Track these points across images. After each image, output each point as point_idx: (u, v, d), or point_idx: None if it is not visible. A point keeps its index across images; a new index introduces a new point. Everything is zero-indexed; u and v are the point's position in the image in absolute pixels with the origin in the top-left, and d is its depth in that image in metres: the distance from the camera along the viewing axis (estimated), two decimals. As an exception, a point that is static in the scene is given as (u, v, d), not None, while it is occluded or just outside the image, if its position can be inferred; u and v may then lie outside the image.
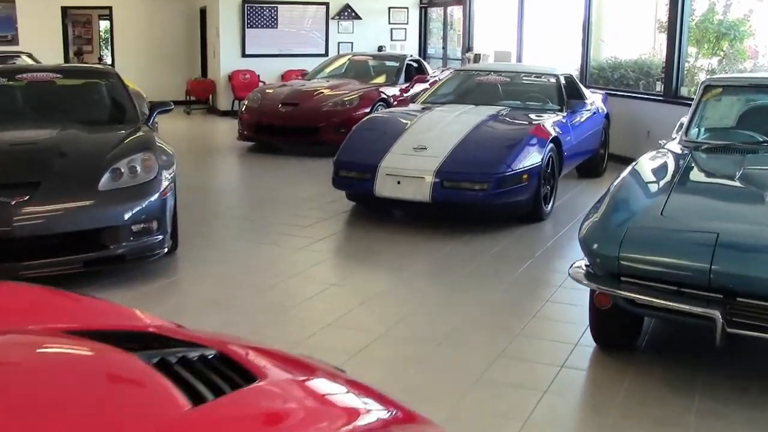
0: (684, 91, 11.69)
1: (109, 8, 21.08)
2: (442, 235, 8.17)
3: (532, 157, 8.34)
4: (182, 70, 20.68)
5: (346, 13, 19.59)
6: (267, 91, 14.41)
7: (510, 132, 8.76)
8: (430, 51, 20.31)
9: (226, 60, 19.05)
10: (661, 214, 4.67)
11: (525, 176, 8.21)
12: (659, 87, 12.15)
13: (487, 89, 10.67)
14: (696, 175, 5.75)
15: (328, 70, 15.89)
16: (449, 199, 8.12)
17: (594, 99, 11.45)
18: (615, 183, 5.34)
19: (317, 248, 7.79)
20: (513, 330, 5.68)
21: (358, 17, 19.68)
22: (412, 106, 10.50)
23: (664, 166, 5.75)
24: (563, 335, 5.63)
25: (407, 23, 20.24)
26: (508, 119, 9.29)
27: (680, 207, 4.80)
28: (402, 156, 8.43)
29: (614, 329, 5.13)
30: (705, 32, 13.32)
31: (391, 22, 20.13)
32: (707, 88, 6.82)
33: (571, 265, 5.01)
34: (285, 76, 18.34)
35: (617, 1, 15.66)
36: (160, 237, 6.78)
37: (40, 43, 19.36)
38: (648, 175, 5.60)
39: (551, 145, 8.79)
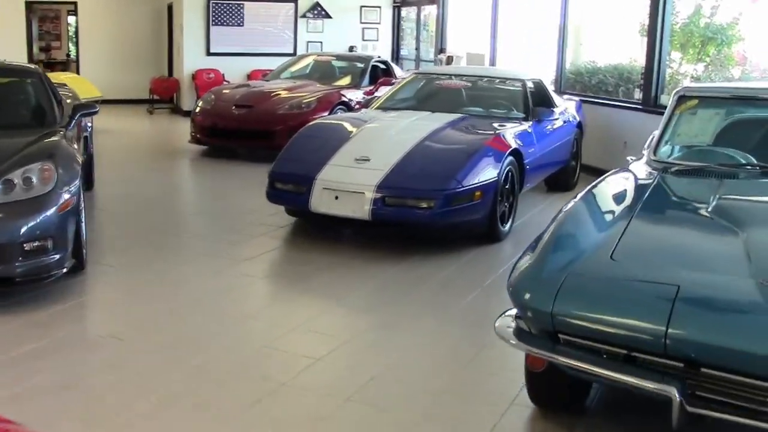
0: (664, 99, 10.79)
1: (74, 3, 20.12)
2: (386, 257, 7.28)
3: (487, 172, 7.44)
4: (148, 68, 19.81)
5: (315, 11, 18.69)
6: (222, 91, 13.51)
7: (463, 143, 7.86)
8: (403, 52, 19.41)
9: (190, 58, 18.15)
10: (611, 257, 3.76)
11: (478, 193, 7.31)
12: (638, 94, 11.23)
13: (447, 95, 9.78)
14: (660, 204, 4.78)
15: (292, 70, 14.99)
16: (391, 218, 7.22)
17: (566, 106, 10.56)
18: (562, 211, 4.41)
19: (242, 270, 6.91)
20: (438, 385, 4.77)
21: (328, 16, 18.79)
22: (364, 112, 9.58)
23: (624, 192, 4.84)
24: (499, 391, 4.72)
25: (380, 23, 19.33)
26: (464, 129, 8.40)
27: (635, 248, 3.88)
28: (342, 168, 7.53)
29: (554, 391, 4.21)
30: (690, 36, 12.39)
31: (362, 21, 19.23)
32: (681, 99, 5.86)
33: (500, 315, 4.07)
34: (251, 76, 17.47)
35: (599, 2, 14.73)
36: (58, 256, 5.98)
37: (2, 37, 18.51)
38: (603, 203, 4.69)
39: (510, 158, 7.89)
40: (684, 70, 12.51)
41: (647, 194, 4.63)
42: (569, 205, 4.51)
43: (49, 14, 24.02)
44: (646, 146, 6.56)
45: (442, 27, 17.02)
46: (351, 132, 8.24)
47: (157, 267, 6.95)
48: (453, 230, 7.59)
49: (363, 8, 19.17)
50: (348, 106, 12.52)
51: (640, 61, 12.74)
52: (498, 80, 9.83)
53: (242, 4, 18.19)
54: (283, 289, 6.71)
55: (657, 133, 5.84)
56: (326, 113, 12.03)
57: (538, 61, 14.70)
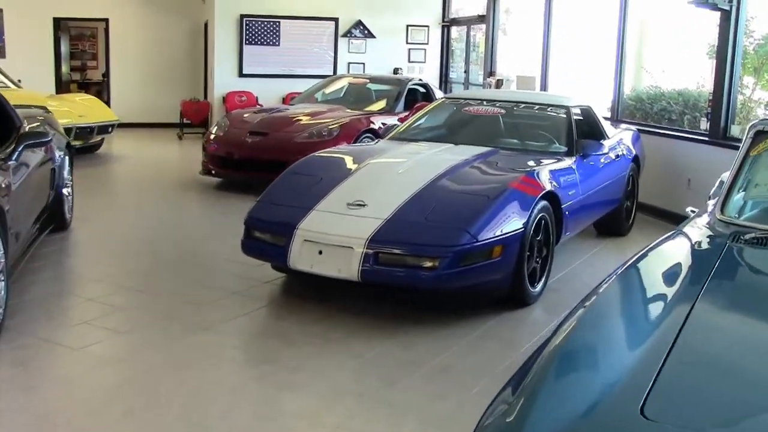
0: (735, 130, 9.20)
1: (106, 20, 19.04)
2: (378, 326, 5.88)
3: (511, 222, 5.95)
4: (181, 90, 18.59)
5: (357, 31, 17.36)
6: (240, 116, 12.15)
7: (483, 185, 6.38)
8: (452, 75, 17.95)
9: (221, 79, 16.98)
10: (642, 410, 2.20)
11: (498, 248, 5.83)
12: (705, 124, 9.62)
13: (477, 124, 8.32)
14: (728, 301, 3.14)
15: (325, 92, 13.62)
16: (385, 279, 5.78)
17: (621, 137, 9.02)
18: (574, 316, 2.90)
19: (193, 343, 5.54)
20: None
21: (371, 35, 17.44)
22: (380, 143, 8.12)
23: (674, 276, 3.28)
24: None
25: (427, 43, 17.93)
26: (489, 166, 6.93)
27: (687, 392, 2.32)
28: (330, 215, 6.11)
29: None
30: (765, 59, 10.70)
31: (409, 41, 17.84)
32: (760, 135, 4.25)
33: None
34: (287, 100, 16.11)
35: (664, 23, 13.12)
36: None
37: (29, 56, 17.55)
38: (640, 298, 3.16)
39: (544, 203, 6.39)
40: (758, 97, 10.84)
41: (708, 283, 3.04)
42: (585, 306, 2.98)
43: (86, 32, 22.99)
44: (711, 194, 5.03)
45: (492, 48, 15.56)
46: (351, 169, 6.80)
47: (84, 338, 5.56)
48: (467, 293, 6.09)
49: (409, 27, 17.80)
50: (377, 134, 11.07)
51: (708, 86, 11.17)
52: (538, 107, 8.31)
53: (278, 21, 16.97)
54: (233, 373, 5.24)
55: (726, 178, 4.26)
56: (350, 142, 10.63)
57: (594, 86, 13.15)
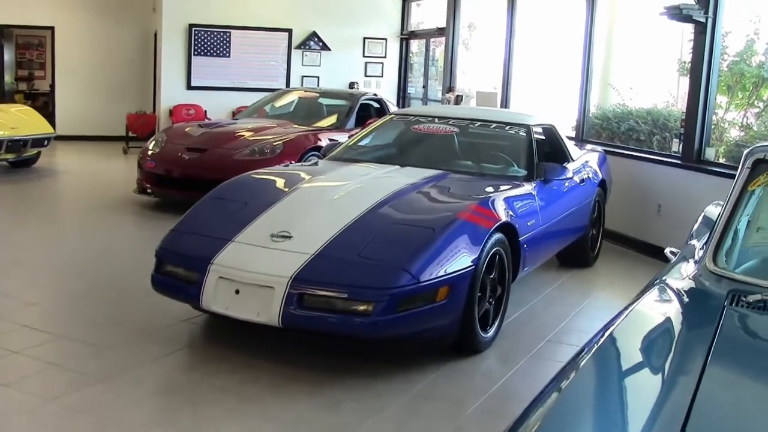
0: (710, 153, 8.44)
1: (52, 29, 18.08)
2: (301, 380, 5.04)
3: (460, 259, 5.12)
4: (129, 102, 17.69)
5: (312, 43, 16.52)
6: (180, 131, 11.25)
7: (428, 215, 5.54)
8: (411, 90, 17.15)
9: (169, 92, 16.07)
10: None
11: (443, 290, 5.00)
12: (676, 146, 8.87)
13: (428, 144, 7.51)
14: (734, 383, 2.30)
15: (275, 106, 12.77)
16: (311, 326, 4.94)
17: (586, 159, 8.24)
18: (547, 402, 2.11)
19: (75, 402, 4.65)
20: None
21: (326, 48, 16.61)
22: (319, 164, 7.28)
23: (663, 351, 2.46)
24: None
25: (385, 57, 17.12)
26: (436, 192, 6.11)
27: None
28: (250, 248, 5.25)
29: None
30: (740, 77, 9.97)
31: (366, 54, 17.02)
32: (760, 164, 3.39)
33: None
34: (237, 114, 15.22)
35: (632, 37, 12.41)
36: None
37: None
38: (622, 380, 2.34)
39: (498, 235, 5.57)
40: (731, 118, 10.13)
41: (707, 358, 2.23)
42: (567, 381, 2.17)
43: (33, 41, 22.00)
44: (694, 232, 4.24)
45: (452, 62, 14.79)
46: (280, 194, 5.96)
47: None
48: (409, 342, 5.25)
49: (367, 40, 16.99)
50: (325, 153, 10.22)
51: (680, 105, 10.44)
52: (496, 125, 7.50)
53: (229, 32, 16.10)
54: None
55: (717, 216, 3.43)
56: (295, 160, 9.79)
57: (559, 104, 12.41)
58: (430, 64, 16.51)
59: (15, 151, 12.78)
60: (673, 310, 2.84)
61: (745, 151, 3.41)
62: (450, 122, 7.47)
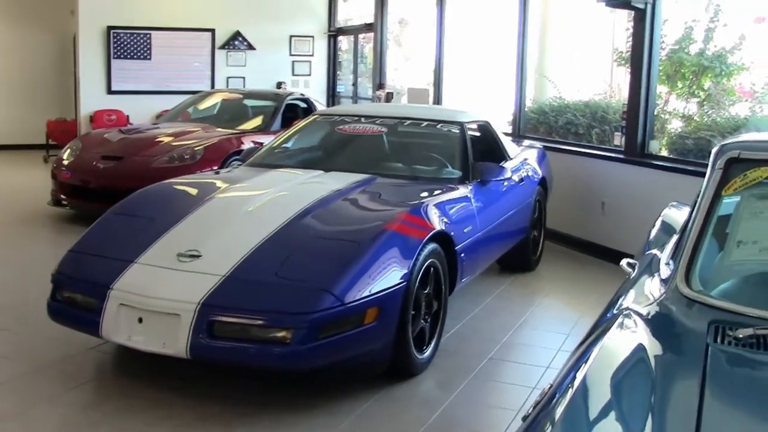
0: (654, 146, 8.01)
1: (-38, 29, 17.20)
2: (219, 416, 4.43)
3: (390, 275, 4.58)
4: (48, 108, 16.83)
5: (236, 43, 15.87)
6: (98, 138, 10.58)
7: (352, 227, 4.99)
8: (340, 89, 16.58)
9: (89, 97, 15.29)
10: None
11: (372, 311, 4.46)
12: (618, 140, 8.41)
13: (353, 145, 6.97)
14: None
15: (198, 109, 12.12)
16: (221, 357, 4.36)
17: (525, 157, 7.77)
18: None
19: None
20: None
21: (251, 47, 15.98)
22: (236, 170, 6.69)
23: (642, 405, 1.92)
24: None
25: (312, 55, 16.53)
26: (363, 199, 5.56)
27: None
28: (154, 270, 4.66)
29: None
30: (679, 66, 9.56)
31: (292, 53, 16.41)
32: (734, 163, 2.81)
33: None
34: (159, 118, 14.51)
35: (565, 29, 12.00)
36: None
37: None
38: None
39: (432, 245, 5.03)
40: (672, 108, 9.72)
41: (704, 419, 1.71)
42: None
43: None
44: (652, 239, 3.75)
45: (381, 59, 14.27)
46: (193, 206, 5.36)
47: None
48: (335, 369, 4.68)
49: (293, 38, 16.38)
50: (249, 156, 9.61)
51: (618, 96, 10.03)
52: (426, 123, 6.97)
53: (149, 33, 15.38)
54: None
55: (689, 229, 2.87)
56: (217, 166, 9.20)
57: (494, 99, 11.96)
58: (360, 61, 15.96)
59: None
60: (647, 348, 2.30)
61: (714, 149, 2.89)
62: (377, 121, 6.92)
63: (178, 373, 4.93)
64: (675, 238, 3.35)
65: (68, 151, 10.30)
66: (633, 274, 3.29)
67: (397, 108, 8.86)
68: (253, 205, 5.33)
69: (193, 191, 5.73)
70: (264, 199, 5.47)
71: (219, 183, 5.93)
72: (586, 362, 2.17)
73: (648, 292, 2.70)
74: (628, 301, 2.69)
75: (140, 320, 4.47)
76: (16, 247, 8.59)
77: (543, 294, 7.17)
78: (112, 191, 9.08)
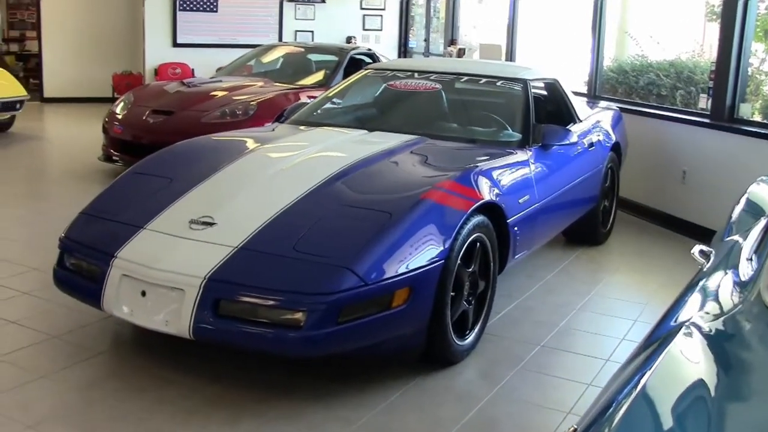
0: (745, 109, 7.23)
1: (37, -16, 16.97)
2: (228, 403, 3.93)
3: (425, 251, 4.00)
4: (118, 62, 16.54)
5: (306, -6, 15.32)
6: (154, 91, 10.17)
7: (386, 195, 4.40)
8: (412, 44, 15.92)
9: (154, 50, 14.96)
10: None
11: (401, 293, 3.89)
12: (704, 102, 7.64)
13: (404, 103, 6.37)
14: None
15: (262, 62, 11.63)
16: (227, 340, 3.83)
17: (597, 119, 7.08)
18: None
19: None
20: None
21: (321, 0, 15.39)
22: (276, 129, 6.15)
23: None
24: None
25: (384, 9, 15.92)
26: (405, 163, 4.99)
27: None
28: (162, 238, 4.16)
29: None
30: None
31: (363, 6, 15.82)
32: None
33: None
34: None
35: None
36: None
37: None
38: None
39: (479, 218, 4.43)
40: (768, 69, 8.93)
41: None
42: None
43: (24, 0, 20.88)
44: (734, 220, 3.13)
45: (453, 14, 13.58)
46: (216, 167, 4.84)
47: None
48: (358, 357, 4.12)
49: (364, -9, 15.79)
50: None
51: (708, 55, 9.22)
52: (486, 80, 6.32)
53: (216, -16, 14.91)
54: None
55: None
56: (270, 122, 8.67)
57: (571, 56, 11.22)
58: (433, 15, 15.27)
59: (-17, 115, 11.78)
60: (708, 385, 1.69)
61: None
62: (431, 77, 6.29)
63: (198, 349, 4.42)
64: (762, 223, 2.72)
65: (120, 104, 9.90)
66: (706, 266, 2.67)
67: (454, 63, 8.22)
68: (280, 168, 4.79)
69: (222, 150, 5.22)
70: (294, 161, 4.93)
71: (251, 142, 5.40)
72: (619, 408, 1.58)
73: (720, 297, 2.07)
74: (692, 309, 2.06)
75: (143, 293, 3.98)
76: (59, 204, 8.18)
77: (610, 271, 6.53)
78: (162, 147, 8.66)
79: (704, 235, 6.20)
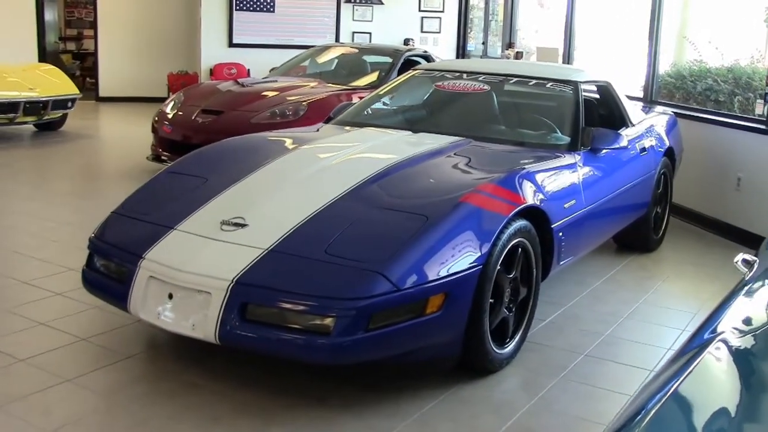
0: (802, 116, 7.00)
1: (95, -16, 17.13)
2: (257, 410, 3.85)
3: (463, 257, 3.87)
4: (173, 62, 16.65)
5: (364, -5, 15.25)
6: (206, 90, 10.15)
7: (424, 198, 4.26)
8: (470, 47, 15.75)
9: (209, 50, 14.97)
10: None
11: (436, 299, 3.75)
12: (761, 108, 7.40)
13: (451, 104, 6.23)
14: None
15: (317, 63, 11.56)
16: (254, 346, 3.73)
17: (651, 124, 6.88)
18: None
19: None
20: None
21: (379, 1, 15.34)
22: (321, 129, 6.05)
23: None
24: None
25: (443, 11, 15.77)
26: (447, 165, 4.85)
27: None
28: (192, 239, 4.07)
29: None
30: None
31: (422, 8, 15.70)
32: None
33: None
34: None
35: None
36: None
37: (5, 23, 15.58)
38: None
39: (521, 222, 4.28)
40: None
41: None
42: None
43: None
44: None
45: (512, 17, 13.40)
46: (253, 167, 4.75)
47: None
48: (391, 365, 3.99)
49: (423, -7, 15.66)
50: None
51: (767, 61, 8.96)
52: (536, 82, 6.15)
53: (273, -15, 14.89)
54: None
55: None
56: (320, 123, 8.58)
57: (629, 60, 10.98)
58: (491, 18, 15.10)
59: (34, 113, 11.84)
60: (729, 410, 1.54)
61: None
62: (480, 78, 6.15)
63: (229, 353, 4.33)
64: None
65: (171, 104, 9.89)
66: (748, 276, 2.50)
67: (504, 64, 8.05)
68: (318, 168, 4.68)
69: (261, 149, 5.13)
70: (333, 161, 4.82)
71: (292, 141, 5.31)
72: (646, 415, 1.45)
73: (754, 311, 1.91)
74: (728, 322, 1.91)
75: (170, 296, 3.89)
76: (104, 204, 8.11)
77: (661, 279, 6.32)
78: (211, 147, 8.61)
79: (758, 243, 5.97)
